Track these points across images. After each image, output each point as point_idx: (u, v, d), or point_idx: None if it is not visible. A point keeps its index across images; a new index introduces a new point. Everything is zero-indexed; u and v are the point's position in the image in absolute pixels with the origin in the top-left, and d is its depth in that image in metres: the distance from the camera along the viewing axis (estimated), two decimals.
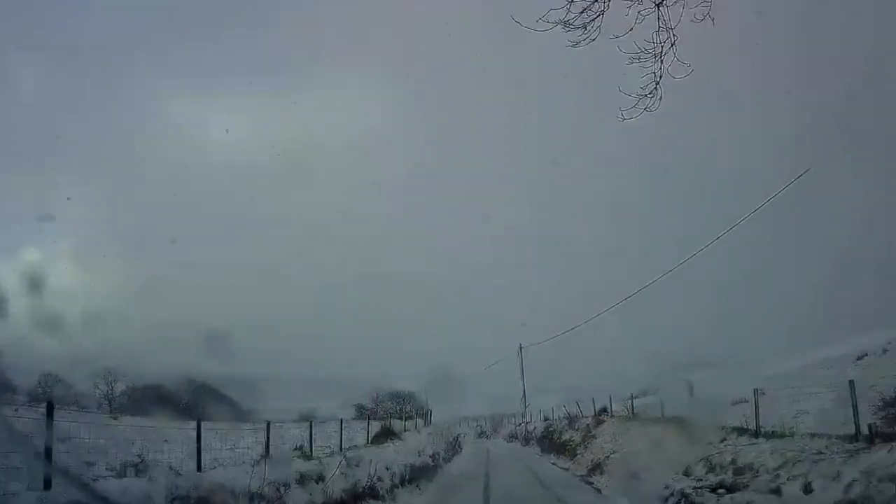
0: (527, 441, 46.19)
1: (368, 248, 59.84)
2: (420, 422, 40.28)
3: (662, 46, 6.69)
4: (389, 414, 35.97)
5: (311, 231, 58.77)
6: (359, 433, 22.18)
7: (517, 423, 58.27)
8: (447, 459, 28.25)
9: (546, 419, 49.52)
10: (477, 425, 72.98)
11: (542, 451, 36.42)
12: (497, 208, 68.63)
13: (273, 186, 59.11)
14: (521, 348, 47.68)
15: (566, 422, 36.74)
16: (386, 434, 23.43)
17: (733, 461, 13.88)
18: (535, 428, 48.59)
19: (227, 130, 64.18)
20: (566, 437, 32.69)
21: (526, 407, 46.80)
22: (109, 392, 29.30)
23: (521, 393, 46.37)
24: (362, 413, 32.60)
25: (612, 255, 48.96)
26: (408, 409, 43.02)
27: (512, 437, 55.27)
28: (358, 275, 55.18)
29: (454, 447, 38.69)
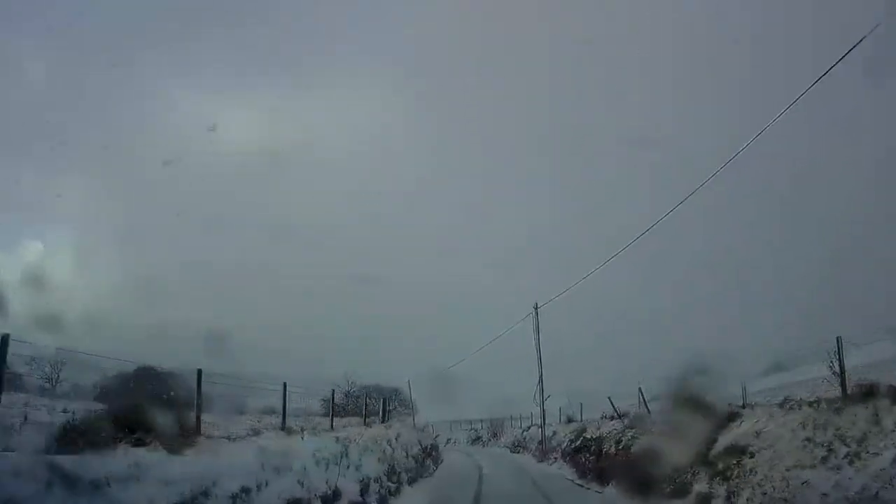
0: (545, 454, 28.85)
1: (369, 246, 61.52)
2: (374, 419, 24.07)
3: None
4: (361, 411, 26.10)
5: (312, 231, 59.63)
6: None
7: (526, 427, 40.96)
8: None
9: (571, 420, 32.37)
10: (471, 428, 56.15)
11: (583, 475, 19.20)
12: (499, 209, 67.54)
13: (274, 186, 61.11)
14: (536, 309, 30.47)
15: (624, 422, 19.41)
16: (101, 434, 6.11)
17: None
18: (554, 433, 31.32)
19: (229, 131, 62.54)
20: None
21: (543, 400, 29.44)
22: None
23: (538, 377, 28.98)
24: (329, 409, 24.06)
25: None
26: (391, 406, 37.09)
27: (518, 445, 37.79)
28: (359, 273, 56.66)
29: (421, 463, 21.54)
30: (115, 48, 56.90)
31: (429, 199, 68.83)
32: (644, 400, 21.74)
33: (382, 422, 23.54)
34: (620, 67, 60.37)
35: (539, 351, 29.44)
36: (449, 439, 55.48)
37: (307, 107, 66.62)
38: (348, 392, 34.08)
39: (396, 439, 20.25)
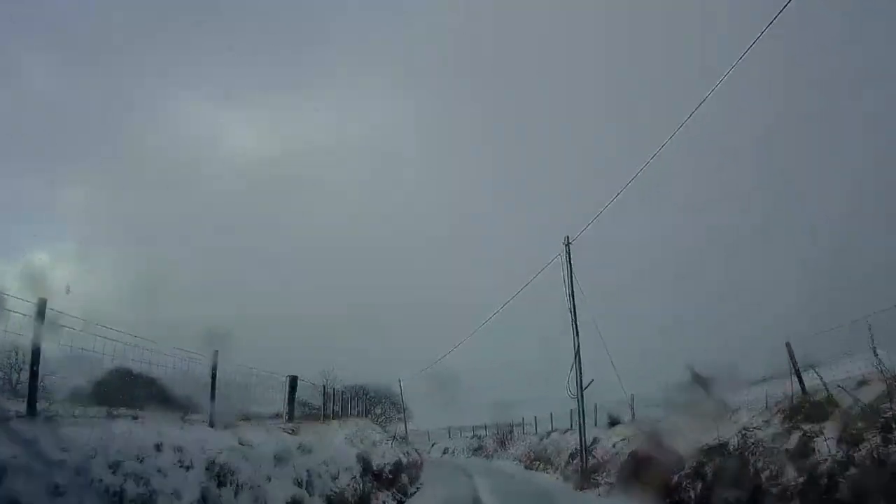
0: (589, 477, 17.42)
1: (373, 246, 59.89)
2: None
3: None
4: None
5: (315, 232, 57.53)
6: None
7: (545, 433, 29.43)
8: None
9: (615, 421, 21.22)
10: (474, 435, 45.66)
11: None
12: (504, 210, 62.44)
13: (275, 187, 60.10)
14: (567, 244, 19.24)
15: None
16: None
17: None
18: (595, 441, 20.04)
19: (231, 131, 56.42)
20: None
21: (581, 385, 18.08)
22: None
23: (574, 347, 17.60)
24: (305, 411, 20.28)
25: None
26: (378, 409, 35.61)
27: (537, 459, 26.31)
28: (363, 273, 55.62)
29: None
30: (120, 49, 57.39)
31: (433, 199, 66.70)
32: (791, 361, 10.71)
33: (289, 420, 12.29)
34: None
35: (573, 307, 18.12)
36: (446, 449, 45.58)
37: (311, 110, 66.24)
38: (325, 390, 24.69)
39: (287, 456, 9.02)
